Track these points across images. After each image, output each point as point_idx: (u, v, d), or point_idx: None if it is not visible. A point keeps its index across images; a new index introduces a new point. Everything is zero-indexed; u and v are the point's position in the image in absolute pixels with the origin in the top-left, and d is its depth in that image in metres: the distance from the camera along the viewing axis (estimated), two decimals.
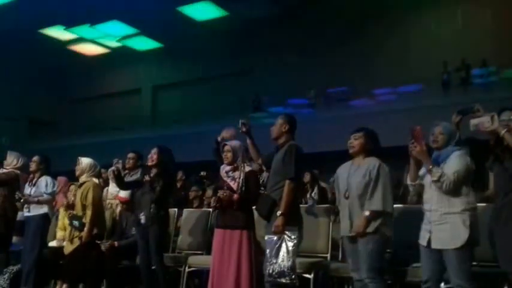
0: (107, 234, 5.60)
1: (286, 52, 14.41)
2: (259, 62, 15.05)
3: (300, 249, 4.17)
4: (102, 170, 6.26)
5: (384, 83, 12.74)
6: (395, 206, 4.04)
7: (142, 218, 4.87)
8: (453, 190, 3.38)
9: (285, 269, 3.85)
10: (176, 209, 5.98)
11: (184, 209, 6.11)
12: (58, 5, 13.11)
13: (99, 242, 5.31)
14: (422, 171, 3.57)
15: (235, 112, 11.93)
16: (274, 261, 3.89)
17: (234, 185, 4.35)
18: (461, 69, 12.11)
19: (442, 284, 3.67)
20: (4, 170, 5.78)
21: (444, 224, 3.40)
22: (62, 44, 16.89)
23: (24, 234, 5.76)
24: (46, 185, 5.66)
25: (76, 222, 5.19)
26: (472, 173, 3.41)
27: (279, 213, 3.95)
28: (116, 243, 5.40)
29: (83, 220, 5.16)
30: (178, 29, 15.04)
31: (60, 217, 5.99)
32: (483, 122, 3.21)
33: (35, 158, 5.81)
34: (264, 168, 4.81)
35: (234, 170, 4.40)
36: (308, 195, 6.79)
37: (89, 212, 5.15)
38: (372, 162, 3.74)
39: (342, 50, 13.57)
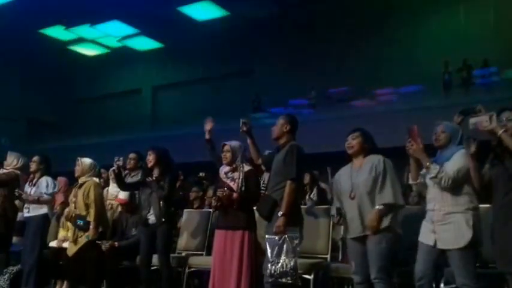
0: (108, 235, 5.60)
1: (287, 52, 14.40)
2: (260, 62, 15.04)
3: (300, 249, 4.16)
4: (102, 170, 6.26)
5: (385, 83, 12.73)
6: None
7: (152, 218, 4.87)
8: (452, 187, 3.38)
9: (287, 269, 3.85)
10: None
11: (185, 210, 6.10)
12: (58, 5, 13.09)
13: (99, 242, 5.31)
14: (423, 170, 3.57)
15: (236, 112, 11.90)
16: (276, 261, 3.88)
17: (233, 186, 4.35)
18: (462, 70, 12.09)
19: (442, 285, 3.67)
20: (4, 171, 5.78)
21: (448, 224, 3.40)
22: (62, 44, 16.88)
23: (24, 234, 5.75)
24: (47, 186, 5.66)
25: (80, 222, 5.21)
26: None
27: (280, 213, 3.94)
28: (116, 243, 5.40)
29: (87, 219, 5.18)
30: (178, 29, 15.03)
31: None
32: (481, 121, 3.22)
33: (35, 158, 5.81)
34: (264, 168, 4.80)
35: (233, 170, 4.40)
36: (307, 197, 6.78)
37: (92, 210, 5.19)
38: (375, 158, 3.73)
39: (343, 50, 13.55)
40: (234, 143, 4.47)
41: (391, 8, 13.31)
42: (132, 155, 5.71)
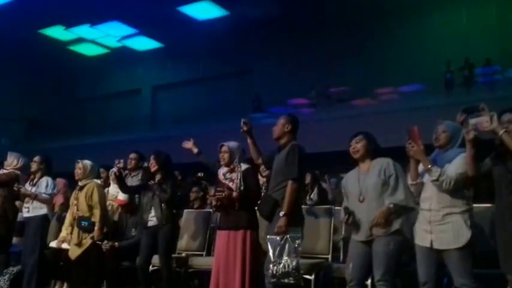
0: (107, 235, 5.58)
1: (287, 52, 14.39)
2: (260, 62, 15.04)
3: (301, 250, 4.14)
4: (101, 170, 6.24)
5: (386, 82, 12.72)
6: None
7: (153, 220, 4.90)
8: (453, 190, 3.36)
9: (290, 269, 3.83)
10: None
11: (185, 210, 6.09)
12: (58, 5, 13.09)
13: (99, 242, 5.29)
14: (420, 169, 3.54)
15: (236, 112, 11.89)
16: (278, 261, 3.86)
17: (233, 186, 4.33)
18: (464, 68, 12.08)
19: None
20: (4, 171, 5.76)
21: (446, 224, 3.36)
22: (62, 45, 16.88)
23: (24, 235, 5.73)
24: (46, 186, 5.63)
25: (85, 223, 5.21)
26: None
27: (281, 213, 3.92)
28: (116, 244, 5.38)
29: (92, 220, 5.19)
30: (178, 29, 15.03)
31: (67, 216, 5.92)
32: (482, 121, 3.18)
33: (36, 158, 5.79)
34: (264, 168, 4.78)
35: (231, 171, 4.38)
36: (308, 197, 6.78)
37: (97, 211, 5.20)
38: (384, 161, 3.69)
39: (343, 49, 13.54)
40: (232, 144, 4.44)
41: (392, 7, 13.29)
42: (132, 155, 5.72)
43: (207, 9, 14.61)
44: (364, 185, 3.67)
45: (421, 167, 3.52)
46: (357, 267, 3.68)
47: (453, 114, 3.71)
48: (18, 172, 5.73)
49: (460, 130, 3.53)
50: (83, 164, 5.41)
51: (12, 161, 5.75)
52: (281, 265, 3.85)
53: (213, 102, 15.65)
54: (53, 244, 5.75)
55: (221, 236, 4.35)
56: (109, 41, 16.99)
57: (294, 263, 3.84)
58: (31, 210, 5.59)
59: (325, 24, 13.96)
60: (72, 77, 18.45)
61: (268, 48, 14.71)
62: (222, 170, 4.46)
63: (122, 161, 5.12)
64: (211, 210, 5.66)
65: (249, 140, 4.40)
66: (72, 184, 6.04)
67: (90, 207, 5.24)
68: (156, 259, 4.94)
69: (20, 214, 5.88)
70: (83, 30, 16.01)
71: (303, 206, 4.62)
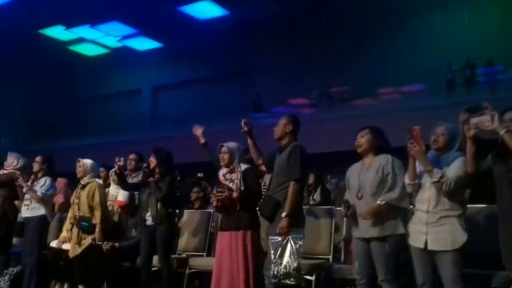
0: (108, 236, 5.57)
1: (288, 52, 14.37)
2: (260, 62, 15.02)
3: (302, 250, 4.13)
4: (101, 169, 6.22)
5: (387, 82, 12.70)
6: None
7: (149, 219, 4.88)
8: (452, 192, 3.35)
9: (291, 270, 3.82)
10: (177, 210, 5.95)
11: (185, 210, 6.07)
12: (58, 5, 13.10)
13: (100, 243, 5.28)
14: (418, 169, 3.52)
15: (236, 112, 11.89)
16: (279, 262, 3.85)
17: (233, 187, 4.31)
18: (466, 69, 12.06)
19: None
20: (4, 171, 5.75)
21: (443, 226, 3.36)
22: (62, 45, 16.88)
23: (23, 235, 5.72)
24: (42, 185, 5.60)
25: (85, 224, 5.20)
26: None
27: (283, 214, 3.91)
28: (116, 244, 5.37)
29: (93, 221, 5.18)
30: (178, 29, 15.02)
31: (68, 214, 5.90)
32: (483, 120, 3.17)
33: (38, 158, 5.77)
34: (265, 168, 4.76)
35: (231, 172, 4.36)
36: (311, 197, 6.77)
37: (97, 213, 5.18)
38: (384, 158, 3.67)
39: (345, 49, 13.52)
40: (232, 144, 4.42)
41: (394, 6, 13.27)
42: (132, 156, 5.69)
43: (208, 9, 14.61)
44: (363, 181, 3.66)
45: (419, 168, 3.51)
46: (362, 266, 3.69)
47: (455, 115, 3.69)
48: (18, 172, 5.72)
49: (458, 133, 3.51)
50: (83, 163, 5.41)
51: (12, 162, 5.74)
52: (282, 266, 3.84)
53: (214, 102, 15.63)
54: (54, 244, 5.74)
55: (222, 236, 4.33)
56: (109, 41, 17.00)
57: (296, 264, 3.83)
58: (30, 210, 5.57)
59: (326, 23, 13.95)
60: (72, 77, 18.45)
61: (268, 48, 14.69)
62: (222, 171, 4.44)
63: (122, 159, 5.10)
64: (211, 210, 5.64)
65: (249, 141, 4.39)
66: (72, 184, 6.03)
67: (91, 208, 5.22)
68: (156, 260, 4.92)
69: (19, 214, 5.86)
70: (83, 30, 16.02)
71: (306, 206, 4.61)
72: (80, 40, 16.85)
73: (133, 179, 5.51)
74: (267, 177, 4.95)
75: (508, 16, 12.21)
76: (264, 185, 4.87)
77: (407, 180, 3.56)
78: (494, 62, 11.84)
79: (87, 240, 5.16)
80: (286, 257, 3.84)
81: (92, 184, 5.31)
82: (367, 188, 3.62)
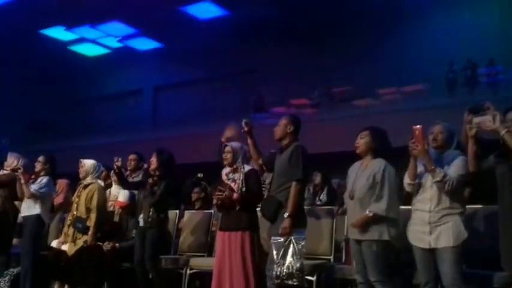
0: (108, 236, 5.56)
1: (289, 52, 14.36)
2: (262, 62, 15.00)
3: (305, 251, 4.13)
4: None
5: (389, 82, 12.69)
6: None
7: (141, 221, 4.98)
8: (454, 191, 3.37)
9: (294, 271, 3.82)
10: (177, 211, 5.96)
11: (186, 211, 6.07)
12: (58, 5, 13.10)
13: (100, 243, 5.28)
14: (419, 169, 3.51)
15: (237, 113, 11.88)
16: (282, 263, 3.85)
17: (234, 187, 4.31)
18: (467, 68, 12.05)
19: None
20: (4, 172, 5.74)
21: (446, 224, 3.38)
22: (63, 45, 16.88)
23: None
24: (37, 183, 5.56)
25: (79, 225, 5.22)
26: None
27: (286, 215, 3.91)
28: (117, 245, 5.37)
29: (87, 223, 5.19)
30: (179, 29, 15.01)
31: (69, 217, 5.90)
32: (485, 120, 3.19)
33: (40, 158, 5.76)
34: (264, 168, 4.76)
35: (234, 171, 4.36)
36: (317, 197, 6.76)
37: (93, 216, 5.20)
38: (378, 164, 3.69)
39: (346, 49, 13.50)
40: (235, 144, 4.44)
41: (395, 7, 13.25)
42: (132, 156, 5.71)
43: (208, 9, 14.60)
44: (356, 183, 3.72)
45: (419, 168, 3.51)
46: (360, 265, 3.73)
47: (456, 115, 3.68)
48: (21, 168, 5.69)
49: (455, 132, 3.53)
50: (85, 163, 5.43)
51: (13, 162, 5.73)
52: (285, 266, 3.85)
53: (215, 103, 15.63)
54: (54, 244, 5.73)
55: (221, 236, 4.34)
56: (110, 41, 16.99)
57: (298, 265, 3.84)
58: (26, 209, 5.53)
59: (328, 23, 13.92)
60: (72, 77, 18.42)
61: (269, 48, 14.66)
62: (225, 170, 4.45)
63: (120, 159, 5.12)
64: (212, 211, 5.65)
65: (249, 141, 4.40)
66: (74, 185, 6.02)
67: (88, 210, 5.25)
68: None
69: (20, 215, 5.85)
70: (84, 31, 16.01)
71: (311, 207, 4.63)
72: (81, 40, 16.85)
73: (133, 179, 5.52)
74: (267, 176, 4.95)
75: (509, 16, 12.18)
76: (263, 184, 4.87)
77: (407, 180, 3.57)
78: (496, 62, 11.83)
79: (81, 241, 5.20)
80: (289, 258, 3.85)
81: (92, 186, 5.33)
82: (357, 192, 3.69)
